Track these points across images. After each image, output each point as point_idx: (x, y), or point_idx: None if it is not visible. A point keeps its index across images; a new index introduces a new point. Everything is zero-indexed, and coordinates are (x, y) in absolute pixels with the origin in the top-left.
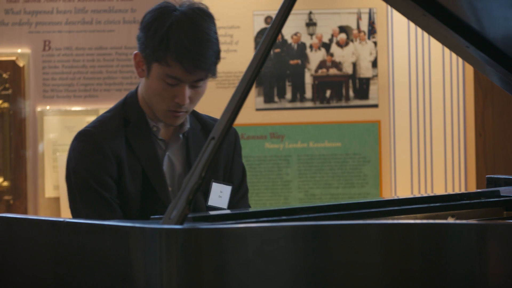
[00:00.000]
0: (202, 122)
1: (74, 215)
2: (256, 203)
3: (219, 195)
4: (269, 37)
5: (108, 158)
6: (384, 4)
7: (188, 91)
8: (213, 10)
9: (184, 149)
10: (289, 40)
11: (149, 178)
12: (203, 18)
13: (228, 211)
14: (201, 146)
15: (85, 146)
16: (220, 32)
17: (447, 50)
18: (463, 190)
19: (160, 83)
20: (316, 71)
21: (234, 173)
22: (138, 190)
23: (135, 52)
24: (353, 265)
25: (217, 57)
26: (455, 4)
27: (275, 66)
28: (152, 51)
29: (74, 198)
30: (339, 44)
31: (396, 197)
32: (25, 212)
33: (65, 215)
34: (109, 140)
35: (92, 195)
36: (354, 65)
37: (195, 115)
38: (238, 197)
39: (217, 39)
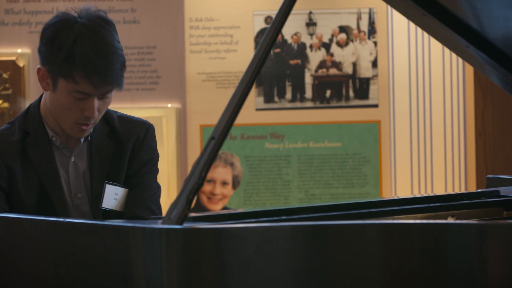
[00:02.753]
0: (112, 126)
1: None
2: (256, 203)
3: (114, 197)
4: (269, 37)
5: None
6: (384, 4)
7: (96, 103)
8: (213, 10)
9: (87, 153)
10: (289, 40)
11: (46, 189)
12: (105, 28)
13: (228, 211)
14: (105, 149)
15: None
16: (220, 32)
17: (447, 50)
18: (463, 190)
19: (67, 98)
20: (316, 71)
21: (138, 167)
22: (34, 200)
23: (38, 66)
24: (353, 265)
25: (123, 68)
26: (455, 4)
27: (275, 66)
28: (57, 67)
29: None
30: (339, 44)
31: (396, 197)
32: None
33: None
34: (3, 153)
35: None
36: (354, 65)
37: (106, 118)
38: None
39: (121, 49)
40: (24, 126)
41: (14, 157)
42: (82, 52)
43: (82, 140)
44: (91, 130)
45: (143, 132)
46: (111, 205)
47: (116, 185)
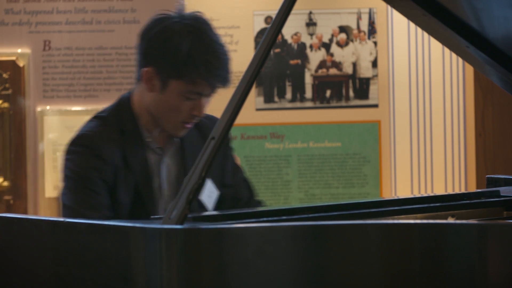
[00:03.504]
0: (198, 124)
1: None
2: None
3: (209, 195)
4: (269, 37)
5: (106, 164)
6: (384, 4)
7: (204, 104)
8: (213, 10)
9: (179, 151)
10: (289, 40)
11: (140, 191)
12: (211, 29)
13: (228, 211)
14: (196, 145)
15: (84, 150)
16: (220, 32)
17: (447, 50)
18: (463, 190)
19: (178, 99)
20: (316, 71)
21: (227, 169)
22: (130, 199)
23: (146, 69)
24: (353, 265)
25: (230, 70)
26: (455, 4)
27: (275, 66)
28: (173, 69)
29: (67, 200)
30: (339, 44)
31: (396, 197)
32: (25, 212)
33: None
34: (107, 148)
35: (85, 197)
36: (354, 65)
37: None
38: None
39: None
40: (119, 124)
41: (116, 154)
42: (202, 56)
43: (177, 140)
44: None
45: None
46: (206, 201)
47: (214, 185)
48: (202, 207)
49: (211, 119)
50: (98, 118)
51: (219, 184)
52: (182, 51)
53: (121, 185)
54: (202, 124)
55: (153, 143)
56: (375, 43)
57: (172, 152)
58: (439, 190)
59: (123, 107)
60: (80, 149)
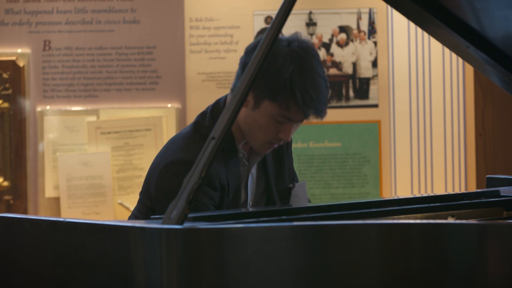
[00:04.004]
0: None
1: None
2: None
3: (295, 195)
4: (269, 37)
5: (215, 189)
6: (384, 4)
7: (292, 129)
8: (213, 10)
9: (261, 162)
10: None
11: (231, 204)
12: (317, 60)
13: (227, 211)
14: (275, 154)
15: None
16: (220, 32)
17: (447, 50)
18: (463, 190)
19: (268, 120)
20: None
21: (289, 158)
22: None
23: None
24: (353, 265)
25: (327, 102)
26: (455, 4)
27: None
28: (269, 91)
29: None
30: (339, 44)
31: (396, 197)
32: (25, 212)
33: (65, 215)
34: (215, 171)
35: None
36: (354, 65)
37: None
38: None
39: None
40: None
41: (222, 172)
42: (301, 84)
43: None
44: None
45: None
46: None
47: (295, 184)
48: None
49: None
50: (186, 137)
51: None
52: (283, 75)
53: (227, 200)
54: None
55: (243, 155)
56: (375, 43)
57: (256, 163)
58: (439, 190)
59: (218, 115)
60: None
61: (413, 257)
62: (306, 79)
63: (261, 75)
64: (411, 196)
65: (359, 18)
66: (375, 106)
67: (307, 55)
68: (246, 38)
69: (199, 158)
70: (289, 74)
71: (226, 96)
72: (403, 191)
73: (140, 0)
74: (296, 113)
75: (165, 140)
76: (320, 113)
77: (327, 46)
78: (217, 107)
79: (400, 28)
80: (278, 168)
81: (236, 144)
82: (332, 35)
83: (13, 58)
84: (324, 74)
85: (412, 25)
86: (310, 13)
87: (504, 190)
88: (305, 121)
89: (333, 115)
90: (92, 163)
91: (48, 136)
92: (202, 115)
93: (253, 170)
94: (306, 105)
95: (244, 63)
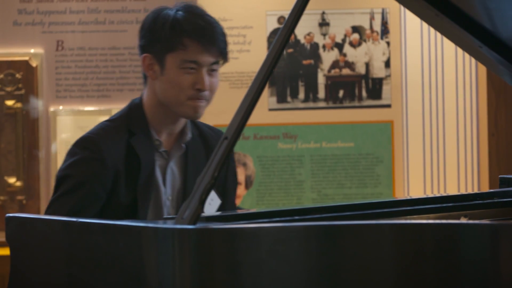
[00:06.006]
0: (199, 129)
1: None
2: (269, 203)
3: (209, 202)
4: (282, 37)
5: (107, 168)
6: (397, 4)
7: (206, 77)
8: (226, 10)
9: (183, 158)
10: (302, 40)
11: (143, 192)
12: (203, 10)
13: (241, 211)
14: (199, 155)
15: (86, 153)
16: (233, 32)
17: (460, 50)
18: (475, 190)
19: (177, 73)
20: (329, 71)
21: (228, 182)
22: (131, 200)
23: (143, 55)
24: (366, 265)
25: (225, 38)
26: (468, 4)
27: (288, 66)
28: (165, 42)
29: (57, 199)
30: (352, 44)
31: (409, 197)
32: (38, 212)
33: None
34: (111, 151)
35: (73, 202)
36: (367, 65)
37: (192, 122)
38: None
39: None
40: (129, 126)
41: (120, 156)
42: (187, 19)
43: (184, 145)
44: (190, 135)
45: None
46: (206, 208)
47: (215, 193)
48: None
49: (217, 132)
50: (108, 120)
51: (220, 193)
52: (168, 21)
53: (121, 187)
54: (208, 135)
55: (161, 147)
56: (388, 43)
57: (177, 158)
58: (452, 190)
59: (134, 109)
60: (82, 152)
61: (425, 257)
62: (190, 16)
63: (150, 36)
64: (424, 196)
65: (372, 18)
66: (388, 106)
67: (191, 5)
68: (259, 38)
69: (212, 158)
70: (172, 17)
71: (141, 97)
72: (416, 191)
73: (153, 0)
74: (194, 49)
75: None
76: (219, 44)
77: (340, 46)
78: (134, 101)
79: (413, 28)
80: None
81: (150, 129)
82: (345, 35)
83: (26, 58)
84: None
85: (425, 25)
86: (323, 13)
87: None
88: (216, 66)
89: (346, 115)
90: None
91: (61, 136)
92: (121, 110)
93: (173, 165)
94: (197, 34)
95: (140, 45)
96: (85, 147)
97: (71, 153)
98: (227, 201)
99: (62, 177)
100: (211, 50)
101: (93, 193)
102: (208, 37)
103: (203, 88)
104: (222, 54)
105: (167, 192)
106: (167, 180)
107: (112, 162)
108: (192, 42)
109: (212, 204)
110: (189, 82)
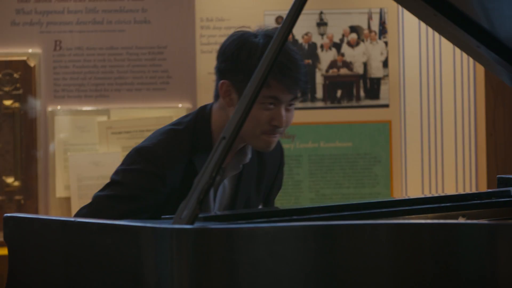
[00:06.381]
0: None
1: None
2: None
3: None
4: (280, 37)
5: (165, 186)
6: (395, 4)
7: (284, 113)
8: (224, 9)
9: (237, 176)
10: (300, 40)
11: None
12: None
13: (239, 211)
14: (253, 171)
15: (149, 167)
16: (230, 32)
17: (458, 50)
18: (474, 190)
19: (256, 107)
20: (327, 71)
21: (273, 191)
22: None
23: (221, 81)
24: (363, 265)
25: (308, 79)
26: (466, 3)
27: None
28: (248, 75)
29: (107, 199)
30: (350, 44)
31: (407, 197)
32: (36, 212)
33: None
34: (173, 169)
35: (120, 213)
36: (365, 65)
37: None
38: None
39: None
40: (193, 140)
41: (180, 174)
42: None
43: (241, 166)
44: (250, 156)
45: (278, 153)
46: None
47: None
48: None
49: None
50: (174, 127)
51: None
52: (255, 55)
53: (172, 202)
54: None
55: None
56: (386, 43)
57: (230, 177)
58: (450, 190)
59: (200, 122)
60: (143, 164)
61: (423, 257)
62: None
63: (233, 64)
64: (422, 196)
65: (369, 18)
66: (386, 106)
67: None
68: None
69: (210, 158)
70: (259, 52)
71: (212, 104)
72: (414, 191)
73: (151, 0)
74: (278, 89)
75: None
76: (302, 84)
77: (338, 46)
78: (203, 113)
79: (411, 28)
80: (250, 191)
81: (213, 143)
82: (343, 35)
83: (24, 58)
84: (296, 50)
85: (423, 25)
86: (321, 13)
87: None
88: (296, 103)
89: (343, 115)
90: (103, 163)
91: (59, 136)
92: (185, 116)
93: (226, 182)
94: (282, 75)
95: (220, 69)
96: (148, 159)
97: (132, 159)
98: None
99: (119, 181)
100: (293, 89)
101: (144, 206)
102: (293, 78)
103: (280, 125)
104: (302, 92)
105: (215, 207)
106: (217, 196)
107: (172, 179)
108: (276, 83)
109: None
110: (267, 118)
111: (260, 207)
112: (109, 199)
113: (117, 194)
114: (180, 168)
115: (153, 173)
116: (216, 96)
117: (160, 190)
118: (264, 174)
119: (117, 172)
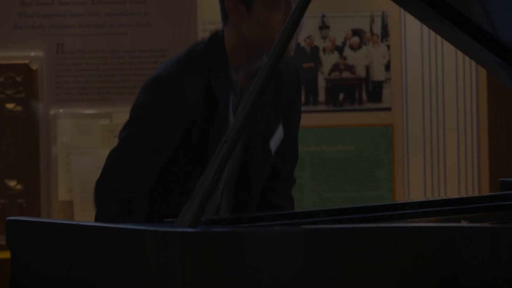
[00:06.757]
0: None
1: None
2: None
3: (277, 139)
4: (283, 40)
5: (186, 111)
6: (397, 7)
7: None
8: None
9: None
10: (302, 43)
11: (213, 128)
12: None
13: (241, 215)
14: (270, 90)
15: (166, 94)
16: None
17: (460, 53)
18: (476, 194)
19: (267, 12)
20: (329, 74)
21: (293, 114)
22: (201, 143)
23: (226, 2)
24: (366, 269)
25: None
26: (468, 7)
27: None
28: None
29: (133, 136)
30: (352, 47)
31: (409, 201)
32: (38, 215)
33: (78, 218)
34: (191, 92)
35: (152, 145)
36: (367, 68)
37: None
38: (291, 141)
39: None
40: (210, 62)
41: (200, 96)
42: None
43: None
44: None
45: (298, 78)
46: (273, 146)
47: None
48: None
49: (289, 62)
50: (188, 55)
51: (284, 125)
52: None
53: (196, 128)
54: (279, 69)
55: (237, 87)
56: (388, 46)
57: None
58: (452, 194)
59: (214, 45)
60: (162, 93)
61: (426, 260)
62: None
63: None
64: (424, 199)
65: (372, 22)
66: (388, 109)
67: None
68: None
69: (212, 161)
70: None
71: (221, 34)
72: (416, 195)
73: (153, 4)
74: None
75: None
76: None
77: (340, 49)
78: (216, 37)
79: (413, 32)
80: (268, 110)
81: (230, 69)
82: (345, 39)
83: (26, 61)
84: None
85: (425, 28)
86: (323, 16)
87: None
88: None
89: (346, 118)
90: None
91: (61, 139)
92: (198, 43)
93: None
94: None
95: None
96: (166, 87)
97: (150, 89)
98: (290, 133)
99: (141, 116)
100: None
101: (169, 139)
102: None
103: None
104: None
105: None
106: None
107: (193, 103)
108: None
109: (277, 142)
110: (282, 20)
111: (280, 129)
112: (136, 136)
113: (142, 130)
114: (200, 91)
115: (173, 100)
116: (224, 18)
117: (182, 117)
118: (282, 94)
119: (138, 106)
